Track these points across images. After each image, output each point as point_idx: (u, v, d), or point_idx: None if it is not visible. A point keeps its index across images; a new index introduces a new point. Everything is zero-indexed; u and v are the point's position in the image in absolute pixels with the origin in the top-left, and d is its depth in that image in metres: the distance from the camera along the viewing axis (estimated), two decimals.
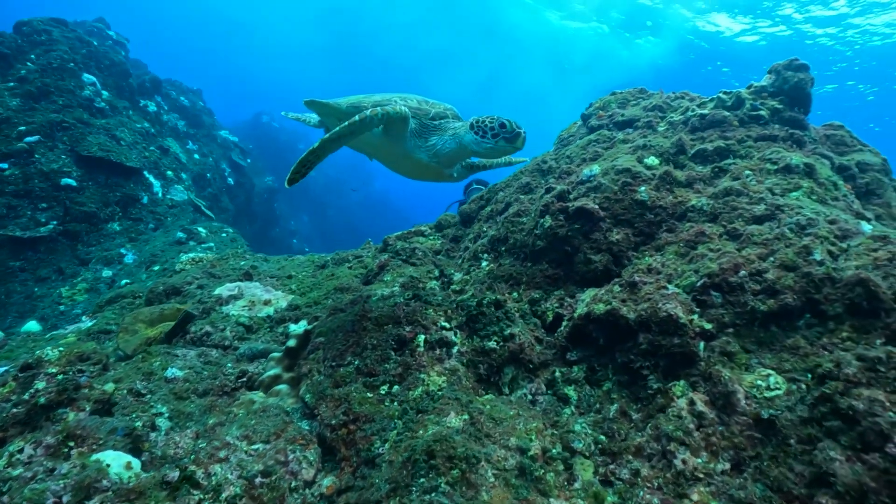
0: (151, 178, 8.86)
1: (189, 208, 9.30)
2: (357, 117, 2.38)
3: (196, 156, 11.64)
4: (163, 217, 8.53)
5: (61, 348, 2.25)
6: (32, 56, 8.27)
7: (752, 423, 2.05)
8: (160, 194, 8.88)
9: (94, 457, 1.74)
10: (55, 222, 7.03)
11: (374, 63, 51.94)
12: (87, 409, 2.00)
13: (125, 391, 2.29)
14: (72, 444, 1.81)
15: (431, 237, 5.17)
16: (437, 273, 3.96)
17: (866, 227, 2.90)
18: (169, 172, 9.55)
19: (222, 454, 1.83)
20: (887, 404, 1.76)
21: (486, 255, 4.07)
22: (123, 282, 6.61)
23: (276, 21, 57.34)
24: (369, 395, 2.21)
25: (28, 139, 7.34)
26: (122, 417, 2.05)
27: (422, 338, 2.46)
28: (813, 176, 3.33)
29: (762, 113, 4.04)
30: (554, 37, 30.75)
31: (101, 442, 1.83)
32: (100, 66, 9.22)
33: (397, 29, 40.68)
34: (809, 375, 2.10)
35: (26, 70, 8.03)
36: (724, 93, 4.36)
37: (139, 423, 2.03)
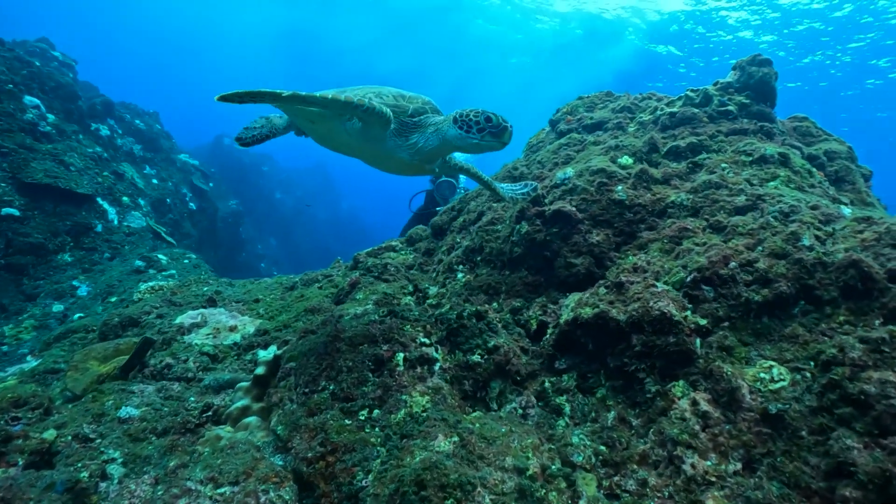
0: (106, 205, 8.38)
1: (148, 235, 8.85)
2: (342, 97, 2.16)
3: (154, 181, 11.17)
4: (119, 245, 8.06)
5: None
6: None
7: (759, 418, 1.96)
8: (115, 221, 8.40)
9: None
10: None
11: (332, 81, 52.00)
12: (20, 462, 1.73)
13: (69, 437, 2.00)
14: None
15: (403, 252, 4.99)
16: (410, 288, 3.79)
17: (846, 210, 2.91)
18: (125, 198, 9.07)
19: (182, 503, 1.59)
20: None
21: (461, 267, 3.92)
22: (77, 316, 6.15)
23: (236, 44, 56.99)
24: (347, 422, 2.00)
25: None
26: (65, 469, 1.78)
27: (401, 356, 2.26)
28: (788, 164, 3.32)
29: (730, 108, 4.07)
30: (517, 49, 31.25)
31: (32, 503, 1.56)
32: (44, 88, 8.66)
33: (356, 51, 40.67)
34: (812, 363, 2.04)
35: None
36: (692, 90, 4.39)
37: (85, 474, 1.77)
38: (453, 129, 2.50)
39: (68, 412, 2.29)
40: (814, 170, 3.46)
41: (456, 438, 1.84)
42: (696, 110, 4.13)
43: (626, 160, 3.76)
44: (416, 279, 4.08)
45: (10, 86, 7.80)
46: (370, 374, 2.19)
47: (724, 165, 3.41)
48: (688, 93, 4.38)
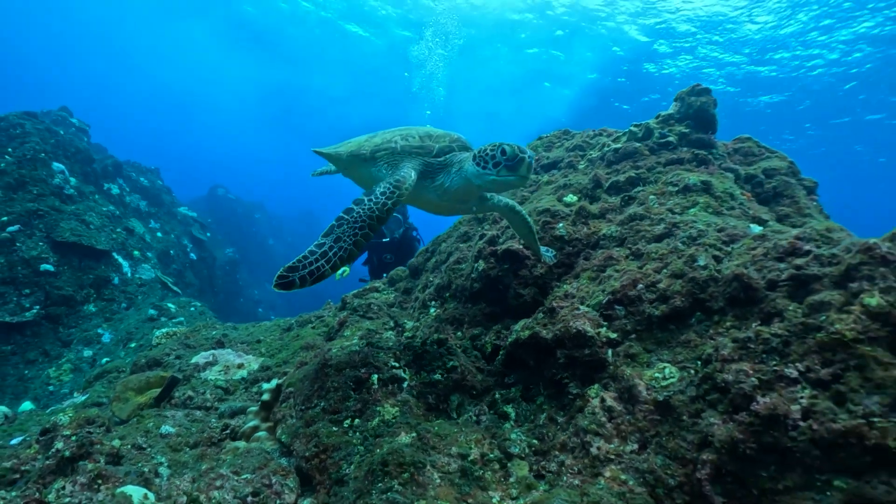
0: (120, 259, 9.17)
1: (157, 286, 9.61)
2: (384, 214, 2.41)
3: (159, 234, 12.00)
4: (133, 296, 8.82)
5: (70, 415, 2.64)
6: (10, 149, 8.77)
7: (653, 409, 2.37)
8: (129, 274, 9.18)
9: (120, 490, 2.21)
10: (38, 307, 7.41)
11: (314, 133, 54.44)
12: (102, 460, 2.39)
13: (129, 446, 2.69)
14: (100, 481, 2.26)
15: (385, 292, 5.53)
16: (392, 324, 4.30)
17: (756, 228, 3.11)
18: (136, 252, 9.87)
19: (218, 483, 2.26)
20: (751, 372, 2.05)
21: (433, 303, 4.37)
22: (104, 360, 6.96)
23: (226, 99, 60.15)
24: (335, 429, 2.61)
25: (10, 229, 7.85)
26: (131, 466, 2.46)
27: (375, 377, 2.85)
28: (710, 191, 3.56)
29: (670, 139, 4.29)
30: (483, 90, 32.64)
31: (121, 480, 2.29)
32: (66, 153, 9.65)
33: (332, 103, 42.51)
34: (699, 362, 2.37)
35: (5, 163, 8.53)
36: (635, 125, 4.62)
37: (146, 469, 2.44)
38: (472, 166, 2.44)
39: (123, 429, 2.98)
40: (736, 192, 3.64)
41: (414, 434, 2.44)
42: (637, 144, 4.36)
43: (570, 198, 4.14)
44: (396, 316, 4.60)
45: (43, 154, 8.81)
46: (352, 392, 2.80)
47: (652, 197, 3.69)
48: (631, 128, 4.62)
